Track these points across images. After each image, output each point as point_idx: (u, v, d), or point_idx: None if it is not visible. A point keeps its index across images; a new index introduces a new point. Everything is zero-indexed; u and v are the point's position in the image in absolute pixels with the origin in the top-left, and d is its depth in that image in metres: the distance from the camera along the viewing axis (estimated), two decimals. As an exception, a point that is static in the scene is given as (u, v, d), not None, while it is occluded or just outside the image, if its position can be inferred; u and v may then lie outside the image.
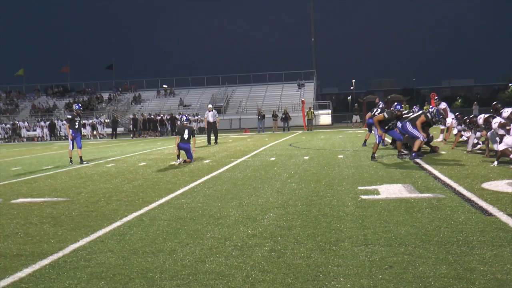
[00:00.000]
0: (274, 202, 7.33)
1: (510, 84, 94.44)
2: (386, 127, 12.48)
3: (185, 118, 15.05)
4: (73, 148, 15.45)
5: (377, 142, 12.68)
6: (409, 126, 12.53)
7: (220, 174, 11.01)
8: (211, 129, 23.41)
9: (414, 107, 20.21)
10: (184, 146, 13.78)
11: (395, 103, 13.29)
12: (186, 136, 13.87)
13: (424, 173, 9.76)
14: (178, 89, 64.02)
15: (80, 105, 16.84)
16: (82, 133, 43.51)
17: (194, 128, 41.88)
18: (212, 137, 23.49)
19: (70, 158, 15.44)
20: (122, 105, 60.52)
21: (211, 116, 23.29)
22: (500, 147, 10.43)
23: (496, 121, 10.93)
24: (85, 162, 15.31)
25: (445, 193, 7.42)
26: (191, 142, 13.98)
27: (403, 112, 13.18)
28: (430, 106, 22.04)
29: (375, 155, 12.43)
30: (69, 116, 15.59)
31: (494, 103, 12.90)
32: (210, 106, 24.60)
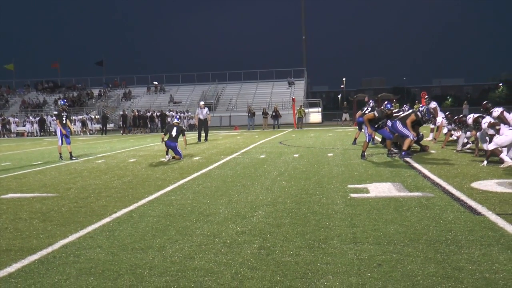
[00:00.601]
0: (264, 199, 7.34)
1: (500, 84, 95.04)
2: (376, 126, 12.51)
3: (176, 118, 15.01)
4: (62, 143, 15.37)
5: (367, 141, 12.74)
6: (399, 125, 12.59)
7: (210, 171, 11.01)
8: (202, 126, 23.37)
9: (404, 106, 20.25)
10: (170, 144, 13.75)
11: (386, 102, 13.34)
12: (174, 133, 13.85)
13: (414, 172, 9.81)
14: (168, 85, 63.87)
15: (65, 100, 16.79)
16: (72, 130, 43.67)
17: (185, 125, 41.87)
18: (203, 134, 23.45)
19: (60, 153, 15.35)
20: (112, 101, 60.28)
21: (202, 113, 23.24)
22: (490, 146, 10.50)
23: (486, 121, 11.00)
24: (74, 158, 15.24)
25: (434, 192, 7.46)
26: (181, 140, 13.94)
27: (393, 111, 13.24)
28: (421, 105, 22.16)
29: (365, 153, 12.47)
30: (55, 112, 15.50)
31: (484, 102, 12.96)
32: (201, 103, 24.55)
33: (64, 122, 15.30)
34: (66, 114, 15.62)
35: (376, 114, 12.44)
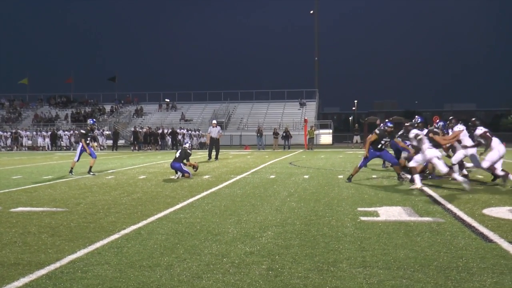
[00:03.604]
0: (273, 220, 7.30)
1: None
2: (379, 146, 12.39)
3: (186, 142, 15.03)
4: (78, 160, 15.48)
5: (359, 166, 12.60)
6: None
7: (220, 190, 10.99)
8: (213, 144, 23.44)
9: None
10: (174, 165, 13.82)
11: (386, 120, 13.34)
12: (177, 155, 13.92)
13: (424, 196, 9.74)
14: (180, 103, 64.23)
15: (94, 120, 16.99)
16: (95, 147, 43.84)
17: (195, 144, 42.03)
18: (213, 153, 23.49)
19: (71, 168, 15.42)
20: (124, 117, 60.68)
21: (215, 132, 23.34)
22: (410, 164, 11.21)
23: (413, 132, 11.36)
24: (91, 173, 15.33)
25: (445, 217, 7.39)
26: (186, 164, 13.97)
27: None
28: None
29: (352, 177, 12.47)
30: (83, 131, 15.74)
31: (473, 119, 12.59)
32: (214, 122, 24.65)
33: (87, 142, 15.48)
34: (92, 133, 15.91)
35: (377, 132, 12.37)
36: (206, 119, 55.23)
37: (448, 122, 13.52)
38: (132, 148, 41.72)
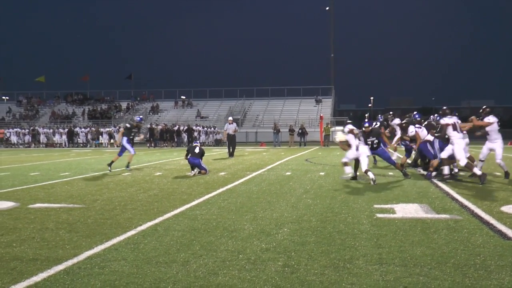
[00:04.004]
0: (289, 217, 7.30)
1: None
2: (370, 147, 12.23)
3: (196, 141, 15.07)
4: (134, 153, 16.12)
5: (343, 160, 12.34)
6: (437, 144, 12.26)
7: (235, 187, 11.01)
8: (230, 141, 23.51)
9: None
10: (194, 161, 13.88)
11: (365, 119, 13.32)
12: (197, 150, 13.97)
13: (441, 193, 9.67)
14: (195, 100, 64.28)
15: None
16: (100, 141, 44.04)
17: (211, 140, 42.13)
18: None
19: (112, 162, 15.71)
20: (140, 114, 60.93)
21: (231, 128, 23.41)
22: (342, 159, 12.24)
23: (395, 121, 11.58)
24: (128, 168, 15.91)
25: (462, 214, 7.33)
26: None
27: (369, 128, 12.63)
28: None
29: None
30: (128, 125, 16.02)
31: (444, 107, 12.31)
32: (230, 118, 24.68)
33: (131, 136, 15.86)
34: (136, 130, 16.29)
35: (355, 132, 12.28)
36: (222, 116, 55.29)
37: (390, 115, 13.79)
38: (148, 145, 41.89)
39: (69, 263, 4.90)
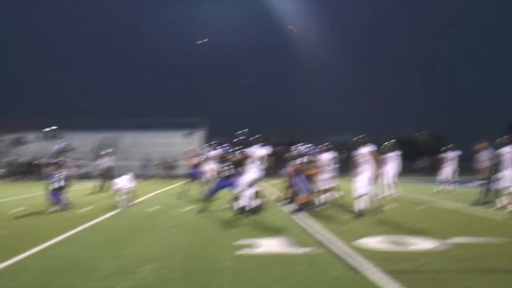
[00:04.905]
0: (153, 253, 7.20)
1: None
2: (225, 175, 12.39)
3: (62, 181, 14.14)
4: None
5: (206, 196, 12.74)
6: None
7: (100, 222, 10.68)
8: (103, 174, 23.14)
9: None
10: (55, 196, 13.43)
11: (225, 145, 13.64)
12: (61, 184, 13.59)
13: (302, 227, 9.96)
14: (64, 132, 61.53)
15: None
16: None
17: (80, 174, 40.73)
18: (98, 183, 23.04)
19: None
20: (1, 146, 57.10)
21: (105, 161, 23.25)
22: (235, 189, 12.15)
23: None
24: None
25: (321, 248, 7.63)
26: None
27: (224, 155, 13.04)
28: None
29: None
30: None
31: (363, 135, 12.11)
32: (106, 150, 24.53)
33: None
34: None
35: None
36: (92, 148, 53.45)
37: None
38: (8, 179, 39.28)
39: None
